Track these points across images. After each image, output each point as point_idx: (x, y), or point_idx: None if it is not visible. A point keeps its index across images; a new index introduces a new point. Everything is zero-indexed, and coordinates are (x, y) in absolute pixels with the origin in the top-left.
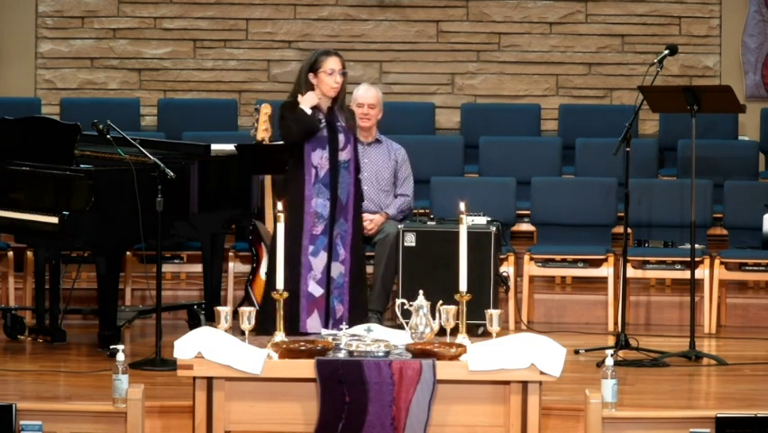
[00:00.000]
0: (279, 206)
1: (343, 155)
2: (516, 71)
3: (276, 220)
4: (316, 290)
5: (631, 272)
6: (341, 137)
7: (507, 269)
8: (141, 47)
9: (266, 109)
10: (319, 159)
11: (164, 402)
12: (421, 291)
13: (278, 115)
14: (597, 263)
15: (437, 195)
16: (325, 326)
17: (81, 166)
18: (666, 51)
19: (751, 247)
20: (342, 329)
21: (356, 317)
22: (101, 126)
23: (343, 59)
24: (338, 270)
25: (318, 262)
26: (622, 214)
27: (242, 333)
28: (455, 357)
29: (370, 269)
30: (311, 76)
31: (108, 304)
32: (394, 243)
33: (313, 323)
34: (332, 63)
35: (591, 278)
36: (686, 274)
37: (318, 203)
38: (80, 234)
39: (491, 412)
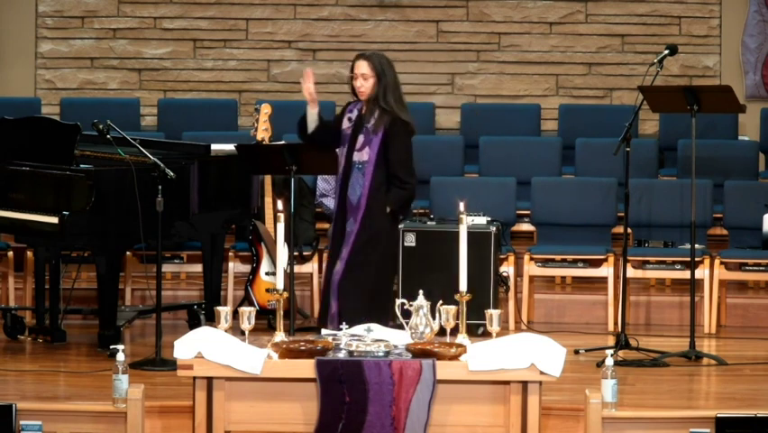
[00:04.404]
0: (279, 205)
1: (358, 156)
2: (516, 71)
3: (276, 220)
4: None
5: (631, 272)
6: (360, 137)
7: (507, 269)
8: (141, 47)
9: (266, 109)
10: (341, 157)
11: (164, 402)
12: (421, 291)
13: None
14: (597, 263)
15: (437, 195)
16: (323, 323)
17: (81, 166)
18: (666, 51)
19: (751, 247)
20: (341, 328)
21: (346, 317)
22: (101, 126)
23: (374, 62)
24: (337, 268)
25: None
26: (622, 214)
27: (242, 333)
28: (455, 357)
29: None
30: None
31: (108, 304)
32: None
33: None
34: (355, 67)
35: (591, 278)
36: (686, 274)
37: (331, 201)
38: (80, 234)
39: (491, 412)
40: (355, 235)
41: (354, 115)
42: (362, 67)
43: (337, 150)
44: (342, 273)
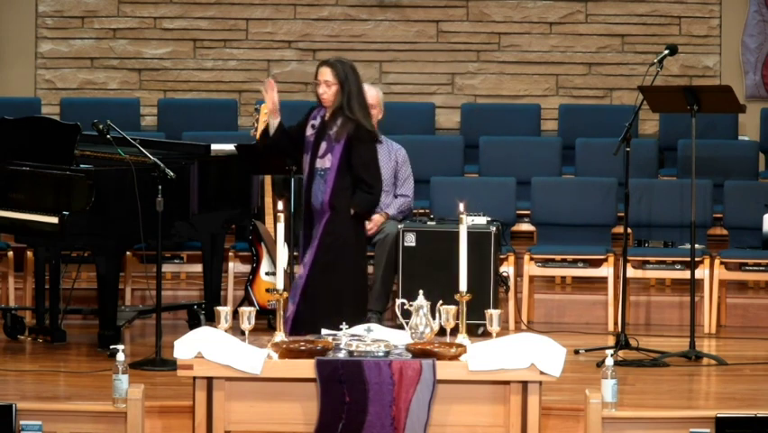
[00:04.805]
0: (280, 205)
1: (320, 163)
2: (516, 71)
3: (276, 220)
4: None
5: (631, 272)
6: (322, 144)
7: (507, 269)
8: (141, 47)
9: (266, 109)
10: (306, 163)
11: (164, 402)
12: (421, 291)
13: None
14: (597, 263)
15: (437, 195)
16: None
17: (81, 166)
18: (666, 51)
19: (751, 247)
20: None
21: (304, 322)
22: (101, 126)
23: (337, 69)
24: (298, 271)
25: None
26: (622, 214)
27: (242, 333)
28: (455, 357)
29: (370, 269)
30: None
31: (108, 304)
32: (394, 243)
33: None
34: (318, 74)
35: (591, 278)
36: (686, 274)
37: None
38: (80, 234)
39: (491, 412)
40: (318, 240)
41: (318, 122)
42: (326, 74)
43: (304, 156)
44: (306, 278)
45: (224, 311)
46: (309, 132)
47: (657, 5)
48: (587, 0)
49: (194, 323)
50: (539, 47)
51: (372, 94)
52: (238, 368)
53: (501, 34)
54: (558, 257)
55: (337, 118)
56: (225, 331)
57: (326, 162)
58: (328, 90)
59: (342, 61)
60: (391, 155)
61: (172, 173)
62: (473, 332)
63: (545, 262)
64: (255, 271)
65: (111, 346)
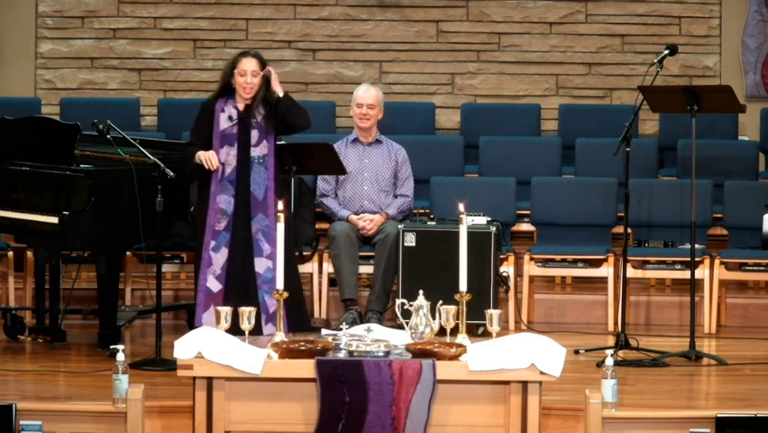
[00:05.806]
0: (280, 205)
1: (257, 151)
2: (516, 71)
3: (276, 220)
4: (215, 285)
5: (631, 272)
6: (254, 133)
7: (507, 269)
8: (141, 47)
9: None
10: (226, 156)
11: (164, 402)
12: (421, 291)
13: (198, 111)
14: (597, 263)
15: (437, 195)
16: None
17: (81, 166)
18: (666, 51)
19: (751, 247)
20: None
21: (291, 311)
22: (101, 126)
23: (262, 60)
24: (265, 265)
25: (219, 257)
26: (622, 214)
27: (242, 333)
28: (455, 357)
29: (370, 269)
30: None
31: (108, 304)
32: (394, 243)
33: (208, 318)
34: (244, 64)
35: (591, 278)
36: (686, 274)
37: (222, 199)
38: (80, 234)
39: (491, 412)
40: (276, 230)
41: (233, 112)
42: (254, 64)
43: (222, 149)
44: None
45: (224, 311)
46: (227, 124)
47: (657, 5)
48: (587, 0)
49: (194, 323)
50: (539, 47)
51: (372, 94)
52: (238, 368)
53: (501, 34)
54: (558, 257)
55: (258, 107)
56: (225, 331)
57: (263, 149)
58: (254, 80)
59: (260, 53)
60: (391, 155)
61: (172, 173)
62: (473, 332)
63: (545, 262)
64: None
65: (111, 346)
